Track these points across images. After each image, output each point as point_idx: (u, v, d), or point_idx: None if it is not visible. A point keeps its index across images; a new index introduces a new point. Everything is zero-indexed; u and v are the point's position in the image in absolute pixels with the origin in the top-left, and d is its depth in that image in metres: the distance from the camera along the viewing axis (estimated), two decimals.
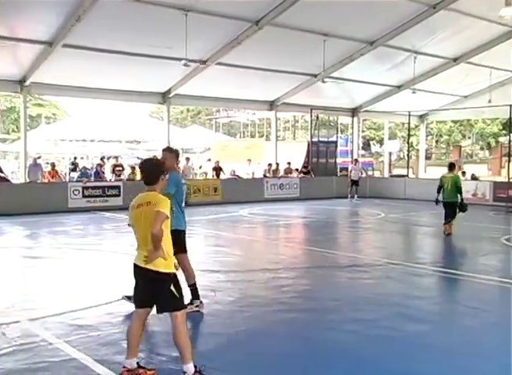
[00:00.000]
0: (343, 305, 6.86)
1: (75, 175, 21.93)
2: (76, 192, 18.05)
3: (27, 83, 18.27)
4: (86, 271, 8.71)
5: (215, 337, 5.60)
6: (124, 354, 4.63)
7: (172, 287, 4.40)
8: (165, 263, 4.40)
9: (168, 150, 6.60)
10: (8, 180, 19.74)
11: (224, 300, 7.01)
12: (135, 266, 4.49)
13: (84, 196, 18.34)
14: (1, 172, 20.04)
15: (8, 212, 16.33)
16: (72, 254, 10.35)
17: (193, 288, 6.51)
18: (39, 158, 21.35)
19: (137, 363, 4.57)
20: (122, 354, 4.93)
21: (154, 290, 4.41)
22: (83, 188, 18.39)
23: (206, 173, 28.47)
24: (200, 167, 31.36)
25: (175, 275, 4.48)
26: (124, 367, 4.52)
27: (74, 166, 24.93)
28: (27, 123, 20.51)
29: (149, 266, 4.37)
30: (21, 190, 17.60)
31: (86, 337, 5.55)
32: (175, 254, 5.01)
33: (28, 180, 18.47)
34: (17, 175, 25.28)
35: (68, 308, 6.52)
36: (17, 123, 44.65)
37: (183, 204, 6.53)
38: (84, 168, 21.08)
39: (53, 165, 21.00)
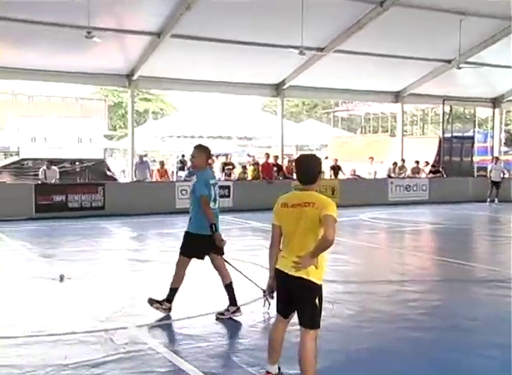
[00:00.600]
0: (480, 325, 6.57)
1: (182, 174, 22.74)
2: (183, 192, 18.72)
3: (135, 77, 19.25)
4: (194, 277, 9.02)
5: (333, 354, 5.57)
6: (236, 368, 4.74)
7: (317, 301, 4.42)
8: (317, 273, 4.39)
9: (199, 148, 6.80)
10: (115, 179, 20.97)
11: (342, 313, 6.97)
12: (281, 272, 4.46)
13: None
14: (109, 170, 21.33)
15: (116, 213, 17.29)
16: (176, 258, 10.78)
17: (230, 290, 6.66)
18: (145, 155, 22.44)
19: (279, 368, 4.71)
20: (231, 368, 5.05)
21: (299, 299, 4.43)
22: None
23: (323, 173, 28.41)
24: None
25: (321, 288, 4.47)
26: (268, 373, 4.68)
27: (182, 165, 25.82)
28: (134, 119, 21.63)
29: (301, 274, 4.34)
30: (128, 189, 18.59)
31: (194, 347, 5.73)
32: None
33: (135, 179, 19.46)
34: (126, 174, 26.64)
35: (176, 316, 6.79)
36: (124, 119, 47.26)
37: (214, 206, 6.68)
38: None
39: (162, 163, 21.73)
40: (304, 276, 4.34)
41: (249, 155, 32.10)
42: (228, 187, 19.65)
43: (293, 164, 4.59)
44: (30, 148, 26.21)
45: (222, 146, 33.09)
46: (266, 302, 6.18)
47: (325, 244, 4.24)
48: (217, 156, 29.67)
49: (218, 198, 6.93)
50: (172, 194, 18.65)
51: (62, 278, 8.65)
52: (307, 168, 4.54)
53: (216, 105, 30.91)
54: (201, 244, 6.79)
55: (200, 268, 9.09)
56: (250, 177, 20.99)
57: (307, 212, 4.36)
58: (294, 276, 4.35)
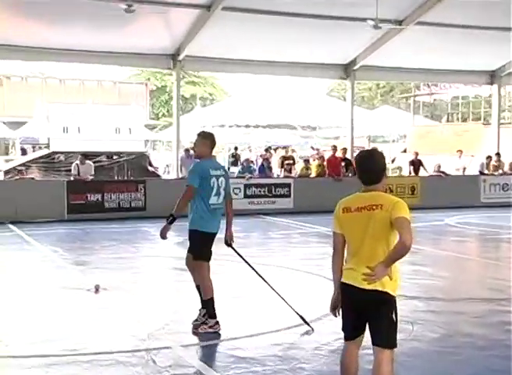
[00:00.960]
0: None
1: (235, 170, 22.87)
2: (236, 191, 18.85)
3: (181, 57, 19.46)
4: (246, 289, 9.08)
5: None
6: None
7: (393, 315, 4.44)
8: (392, 284, 4.41)
9: (201, 135, 7.11)
10: (158, 176, 21.28)
11: (425, 336, 6.89)
12: (349, 286, 4.48)
13: (246, 196, 19.16)
14: (151, 165, 21.68)
15: (159, 214, 17.40)
16: (231, 268, 10.82)
17: (210, 305, 6.88)
18: (193, 148, 22.67)
19: None
20: None
21: (374, 314, 4.43)
22: (246, 186, 19.21)
23: (400, 169, 28.15)
24: (393, 161, 31.06)
25: (396, 301, 4.49)
26: None
27: (235, 159, 26.01)
28: (180, 106, 21.86)
29: (376, 287, 4.35)
30: (173, 187, 18.66)
31: (248, 372, 5.78)
32: (195, 259, 5.78)
33: (181, 176, 19.69)
34: (171, 169, 26.87)
35: (226, 335, 6.86)
36: (168, 106, 47.91)
37: (217, 201, 6.92)
38: (247, 161, 21.87)
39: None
40: (380, 289, 4.35)
41: (313, 148, 32.13)
42: (288, 186, 19.71)
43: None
44: (62, 140, 26.80)
45: (281, 137, 33.13)
46: (309, 329, 6.79)
47: (401, 251, 4.24)
48: (275, 149, 29.79)
49: (222, 191, 7.05)
50: None
51: (97, 289, 8.85)
52: (370, 165, 4.56)
53: (275, 90, 30.86)
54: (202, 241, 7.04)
55: (246, 279, 9.15)
56: (313, 174, 20.96)
57: (376, 215, 4.37)
58: (367, 290, 4.35)
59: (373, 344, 4.47)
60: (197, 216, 6.95)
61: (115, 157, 21.31)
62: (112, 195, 17.73)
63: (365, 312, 4.45)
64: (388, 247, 4.36)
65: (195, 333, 6.90)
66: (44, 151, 23.32)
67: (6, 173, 20.33)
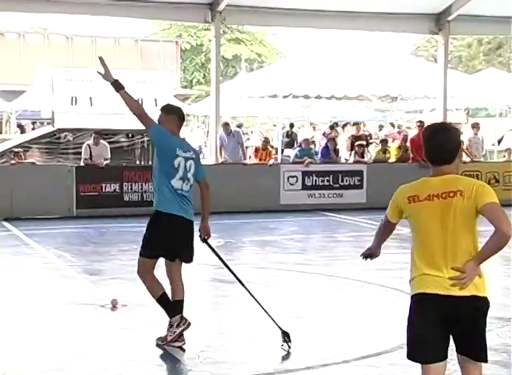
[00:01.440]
0: None
1: (291, 153, 22.83)
2: (292, 180, 18.84)
3: (221, 7, 19.51)
4: (309, 306, 9.14)
5: None
6: None
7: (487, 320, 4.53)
8: (483, 284, 4.49)
9: (165, 110, 7.57)
10: None
11: None
12: (431, 296, 4.50)
13: (305, 187, 19.16)
14: None
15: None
16: (285, 279, 10.90)
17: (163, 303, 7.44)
18: (239, 126, 22.61)
19: None
20: None
21: (468, 325, 4.48)
22: (304, 175, 19.21)
23: (510, 151, 27.70)
24: (500, 141, 30.62)
25: None
26: None
27: (290, 139, 25.99)
28: (220, 71, 21.87)
29: (472, 291, 4.42)
30: (209, 176, 18.81)
31: None
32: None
33: (220, 160, 19.74)
34: (207, 152, 26.81)
35: (290, 365, 6.98)
36: (204, 71, 48.11)
37: (181, 186, 7.31)
38: (306, 141, 21.77)
39: (266, 141, 21.71)
40: (477, 294, 4.42)
41: (392, 125, 31.87)
42: (359, 174, 19.69)
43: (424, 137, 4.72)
44: (70, 114, 27.03)
45: (350, 111, 33.00)
46: (285, 345, 7.15)
47: (500, 244, 4.31)
48: (343, 126, 29.69)
49: (190, 177, 7.45)
50: (276, 184, 18.89)
51: (114, 305, 8.98)
52: (444, 141, 4.62)
53: (343, 50, 30.69)
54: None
55: (307, 293, 9.19)
56: (393, 158, 20.84)
57: (456, 204, 4.43)
58: (460, 297, 4.40)
59: (464, 354, 4.53)
60: (166, 200, 7.30)
61: (136, 136, 21.27)
62: (132, 185, 17.86)
63: (455, 324, 4.48)
64: (474, 241, 4.44)
65: (167, 342, 7.31)
66: (47, 129, 23.43)
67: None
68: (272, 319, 7.49)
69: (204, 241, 7.73)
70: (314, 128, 33.68)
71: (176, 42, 44.33)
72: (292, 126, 28.59)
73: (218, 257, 7.95)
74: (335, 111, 32.93)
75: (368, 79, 27.85)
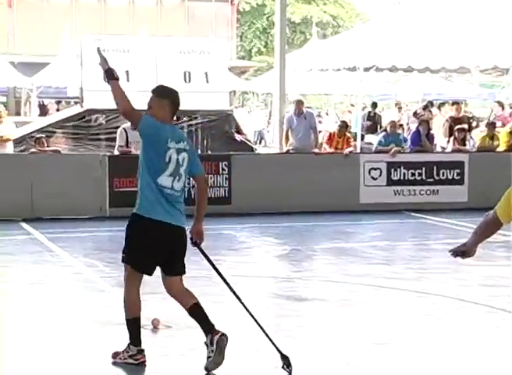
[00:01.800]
0: None
1: (374, 139, 22.74)
2: (374, 173, 18.78)
3: None
4: (393, 330, 9.11)
5: None
6: None
7: None
8: None
9: (157, 92, 7.73)
10: (251, 148, 21.29)
11: None
12: None
13: (391, 182, 19.09)
14: (239, 132, 21.77)
15: (250, 210, 17.83)
16: (366, 295, 10.86)
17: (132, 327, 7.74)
18: (309, 107, 22.56)
19: None
20: None
21: None
22: (389, 167, 19.14)
23: None
24: None
25: None
26: None
27: (372, 122, 25.91)
28: (285, 37, 21.87)
29: None
30: (273, 167, 18.81)
31: None
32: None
33: (285, 149, 19.72)
34: (270, 138, 26.82)
35: None
36: (266, 38, 48.07)
37: (171, 185, 7.39)
38: (393, 125, 21.53)
39: (344, 124, 21.54)
40: None
41: (501, 105, 31.48)
42: (459, 166, 19.56)
43: None
44: (101, 92, 27.17)
45: (448, 87, 32.72)
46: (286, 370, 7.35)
47: None
48: (439, 106, 29.47)
49: (182, 174, 7.49)
50: (354, 178, 18.90)
51: (155, 326, 9.05)
52: None
53: (438, 11, 30.46)
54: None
55: (392, 314, 9.18)
56: (502, 147, 20.61)
57: None
58: None
59: None
60: (142, 196, 7.48)
61: (183, 119, 21.40)
62: None
63: None
64: None
65: (114, 363, 7.63)
66: (75, 110, 23.60)
67: (17, 143, 20.29)
68: (271, 340, 7.69)
69: (196, 245, 7.83)
70: (401, 109, 33.47)
71: (232, 2, 44.32)
72: (375, 105, 28.49)
73: (210, 264, 8.07)
74: (429, 87, 32.72)
75: (470, 47, 27.57)
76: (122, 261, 7.82)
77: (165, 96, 7.65)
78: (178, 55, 26.19)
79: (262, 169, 18.64)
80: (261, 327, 7.82)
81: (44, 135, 19.17)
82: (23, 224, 16.23)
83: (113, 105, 7.81)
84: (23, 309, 10.25)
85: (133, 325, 7.77)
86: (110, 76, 7.60)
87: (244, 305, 7.92)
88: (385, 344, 8.67)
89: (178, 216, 7.52)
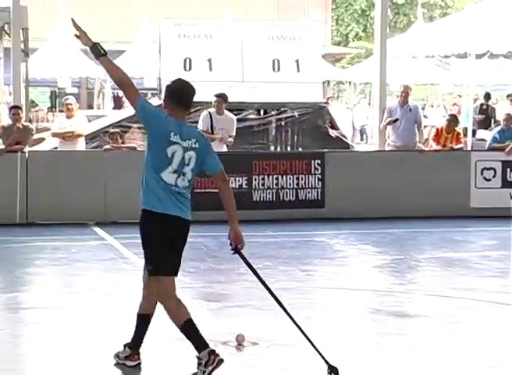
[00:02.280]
0: None
1: (486, 135, 22.51)
2: (488, 174, 18.60)
3: None
4: (501, 351, 9.00)
5: None
6: None
7: None
8: None
9: (168, 86, 7.84)
10: (347, 145, 21.22)
11: None
12: None
13: (507, 184, 18.86)
14: (333, 127, 21.73)
15: (347, 215, 17.76)
16: (477, 312, 10.76)
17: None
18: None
19: None
20: None
21: None
22: (505, 166, 18.96)
23: None
24: None
25: None
26: None
27: (485, 116, 25.66)
28: (387, 21, 21.76)
29: None
30: (372, 166, 18.71)
31: None
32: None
33: (387, 146, 19.63)
34: (369, 133, 26.76)
35: None
36: (366, 21, 48.01)
37: (175, 182, 7.48)
38: (508, 118, 21.02)
39: (453, 118, 21.12)
40: None
41: None
42: None
43: None
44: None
45: None
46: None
47: None
48: None
49: (189, 173, 7.57)
50: (465, 179, 18.80)
51: (240, 343, 9.04)
52: None
53: None
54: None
55: (509, 333, 9.08)
56: None
57: None
58: None
59: None
60: (148, 190, 7.52)
61: (271, 113, 21.41)
62: (264, 179, 17.98)
63: None
64: None
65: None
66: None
67: (89, 139, 20.36)
68: (318, 350, 7.70)
69: (237, 251, 7.90)
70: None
71: None
72: (488, 97, 28.22)
73: (253, 272, 8.17)
74: None
75: None
76: (152, 274, 7.89)
77: (173, 91, 7.75)
78: (266, 42, 26.21)
79: (360, 168, 18.56)
80: (307, 337, 7.85)
81: (118, 130, 19.23)
82: (96, 228, 16.39)
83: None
84: (96, 322, 10.33)
85: (190, 328, 7.99)
86: (97, 53, 7.61)
87: (290, 316, 8.02)
88: (498, 367, 8.54)
89: (185, 210, 7.62)
